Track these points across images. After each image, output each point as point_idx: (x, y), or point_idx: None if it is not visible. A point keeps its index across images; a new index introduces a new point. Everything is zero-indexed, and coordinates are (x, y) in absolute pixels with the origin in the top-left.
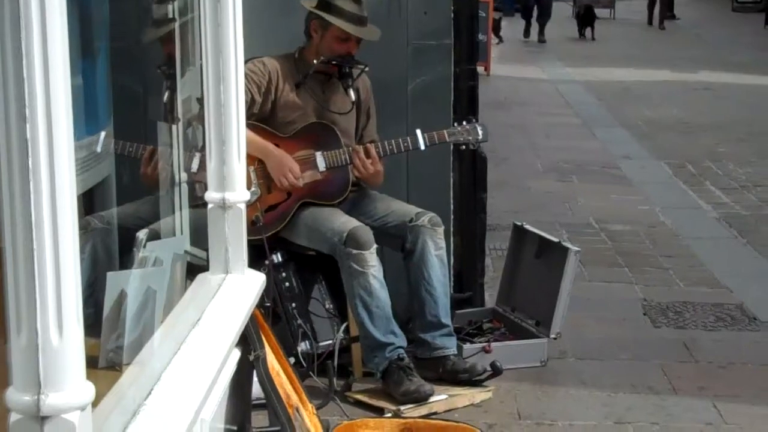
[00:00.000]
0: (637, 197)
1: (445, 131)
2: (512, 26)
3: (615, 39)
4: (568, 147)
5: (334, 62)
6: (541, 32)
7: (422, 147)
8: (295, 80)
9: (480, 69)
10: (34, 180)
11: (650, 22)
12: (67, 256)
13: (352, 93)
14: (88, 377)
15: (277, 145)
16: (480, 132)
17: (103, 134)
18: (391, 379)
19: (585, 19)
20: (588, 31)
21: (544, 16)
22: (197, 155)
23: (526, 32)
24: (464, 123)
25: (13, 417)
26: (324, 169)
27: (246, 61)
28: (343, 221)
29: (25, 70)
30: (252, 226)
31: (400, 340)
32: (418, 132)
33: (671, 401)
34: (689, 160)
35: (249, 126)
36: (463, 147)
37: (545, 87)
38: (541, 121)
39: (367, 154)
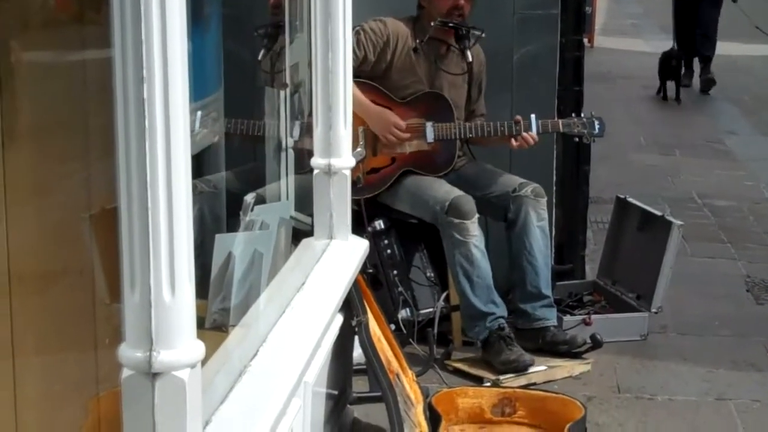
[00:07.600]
0: (741, 173)
1: (560, 121)
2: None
3: (724, 12)
4: (672, 120)
5: (450, 24)
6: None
7: (534, 132)
8: (412, 45)
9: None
10: (150, 140)
11: None
12: (180, 216)
13: (469, 54)
14: (196, 337)
15: (389, 109)
16: (597, 127)
17: (213, 99)
18: (492, 348)
19: None
20: None
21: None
22: (302, 121)
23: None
24: (582, 116)
25: (125, 372)
26: (432, 141)
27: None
28: (446, 190)
29: (143, 31)
30: (352, 186)
31: (501, 310)
32: (533, 117)
33: None
34: None
35: (360, 84)
36: (577, 139)
37: (649, 60)
38: (644, 94)
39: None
